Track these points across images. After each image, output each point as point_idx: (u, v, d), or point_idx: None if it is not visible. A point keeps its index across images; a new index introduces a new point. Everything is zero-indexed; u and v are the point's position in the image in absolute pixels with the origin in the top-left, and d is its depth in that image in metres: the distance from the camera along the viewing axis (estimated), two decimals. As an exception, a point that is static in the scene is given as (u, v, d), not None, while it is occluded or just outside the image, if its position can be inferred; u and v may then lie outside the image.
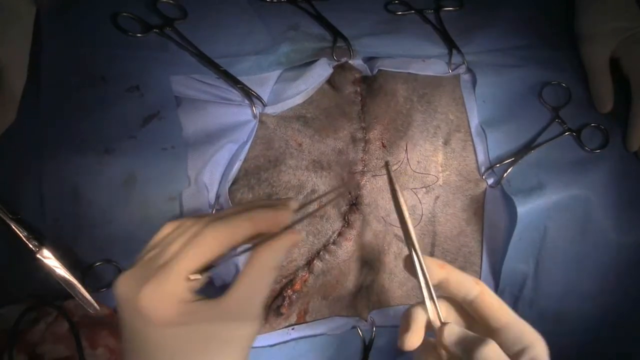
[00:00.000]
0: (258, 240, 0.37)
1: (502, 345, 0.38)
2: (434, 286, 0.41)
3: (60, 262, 0.47)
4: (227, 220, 0.36)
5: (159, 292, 0.33)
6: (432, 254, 0.60)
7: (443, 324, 0.39)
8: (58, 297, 0.48)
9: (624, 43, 0.64)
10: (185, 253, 0.34)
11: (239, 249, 0.38)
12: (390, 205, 0.59)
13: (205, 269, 0.35)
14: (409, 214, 0.59)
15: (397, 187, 0.43)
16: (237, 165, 0.55)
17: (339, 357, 0.57)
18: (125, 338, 0.35)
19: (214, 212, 0.53)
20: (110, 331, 0.47)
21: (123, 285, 0.35)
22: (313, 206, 0.56)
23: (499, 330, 0.40)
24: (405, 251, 0.58)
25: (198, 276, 0.34)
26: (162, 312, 0.33)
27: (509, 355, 0.37)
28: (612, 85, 0.65)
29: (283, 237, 0.37)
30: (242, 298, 0.35)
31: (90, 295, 0.48)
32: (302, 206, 0.41)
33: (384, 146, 0.60)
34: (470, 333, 0.38)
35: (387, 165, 0.43)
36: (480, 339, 0.37)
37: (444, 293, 0.42)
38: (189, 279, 0.34)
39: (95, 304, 0.47)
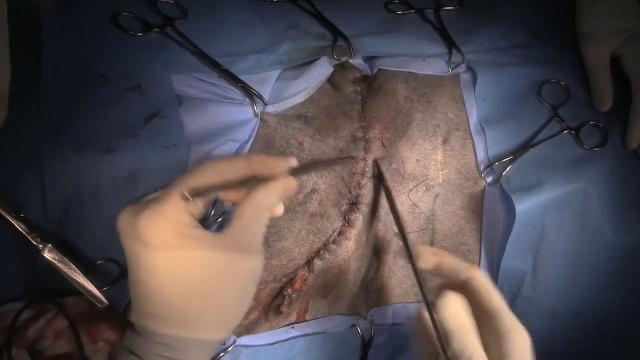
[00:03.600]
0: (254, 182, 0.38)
1: (484, 332, 0.40)
2: (430, 272, 0.44)
3: (66, 259, 0.47)
4: (227, 157, 0.38)
5: (156, 214, 0.34)
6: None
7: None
8: (58, 295, 0.49)
9: (625, 42, 0.64)
10: (183, 177, 0.36)
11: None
12: (391, 204, 0.59)
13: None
14: (409, 212, 0.59)
15: (389, 185, 0.44)
16: (238, 164, 0.55)
17: (338, 355, 0.57)
18: (129, 269, 0.36)
19: (214, 211, 0.54)
20: (110, 325, 0.47)
21: (125, 216, 0.36)
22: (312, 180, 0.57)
23: (485, 315, 0.41)
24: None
25: (197, 203, 0.36)
26: (160, 235, 0.34)
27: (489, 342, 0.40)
28: (612, 85, 0.65)
29: (277, 180, 0.39)
30: (243, 232, 0.36)
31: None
32: (302, 167, 0.43)
33: (384, 145, 0.61)
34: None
35: (376, 163, 0.45)
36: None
37: (440, 277, 0.46)
38: (187, 200, 0.35)
39: (104, 299, 0.47)
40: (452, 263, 0.45)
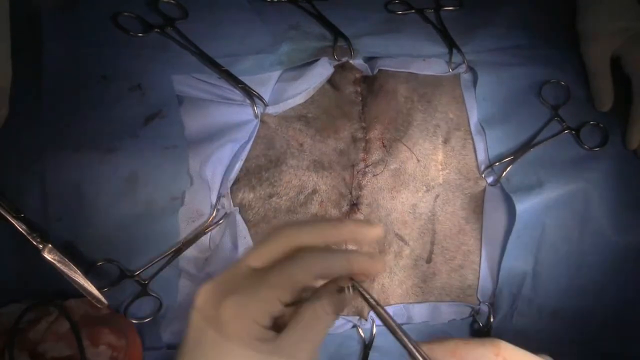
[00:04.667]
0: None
1: None
2: None
3: (66, 259, 0.47)
4: (325, 256, 0.36)
5: (244, 309, 0.34)
6: (431, 252, 0.60)
7: None
8: (59, 296, 0.49)
9: (625, 42, 0.64)
10: (278, 281, 0.34)
11: None
12: (391, 205, 0.59)
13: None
14: (410, 212, 0.59)
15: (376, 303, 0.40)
16: (238, 165, 0.55)
17: (339, 356, 0.57)
18: (189, 342, 0.35)
19: (215, 212, 0.54)
20: (111, 329, 0.47)
21: (208, 294, 0.35)
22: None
23: None
24: (406, 250, 0.58)
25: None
26: (243, 332, 0.33)
27: None
28: (612, 85, 0.65)
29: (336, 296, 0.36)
30: (291, 347, 0.34)
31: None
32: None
33: (384, 146, 0.60)
34: None
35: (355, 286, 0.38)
36: None
37: None
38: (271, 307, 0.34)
39: (104, 299, 0.47)
40: (477, 355, 0.39)
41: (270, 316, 0.35)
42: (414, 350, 0.38)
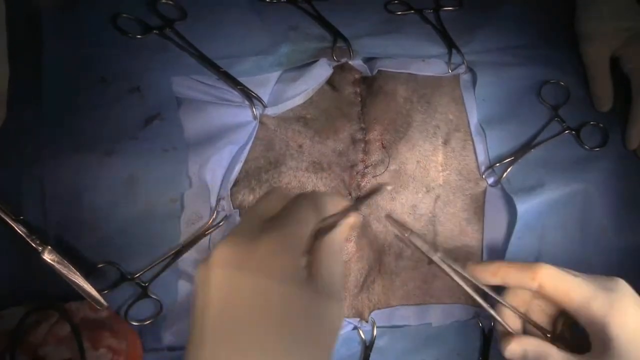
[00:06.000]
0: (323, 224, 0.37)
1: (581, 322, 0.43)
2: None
3: (66, 261, 0.47)
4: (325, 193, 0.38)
5: (281, 245, 0.33)
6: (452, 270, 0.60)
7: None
8: (59, 299, 0.48)
9: (625, 42, 0.64)
10: (303, 216, 0.36)
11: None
12: (390, 206, 0.59)
13: None
14: (410, 213, 0.59)
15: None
16: (237, 167, 0.55)
17: (340, 357, 0.57)
18: (217, 304, 0.33)
19: (214, 214, 0.53)
20: (112, 332, 0.47)
21: (228, 245, 0.34)
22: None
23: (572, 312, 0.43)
24: (407, 251, 0.58)
25: None
26: (279, 268, 0.33)
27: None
28: (612, 85, 0.65)
29: (346, 220, 0.38)
30: (327, 278, 0.35)
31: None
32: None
33: (383, 147, 0.60)
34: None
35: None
36: None
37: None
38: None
39: (103, 301, 0.47)
40: (516, 279, 0.45)
41: (302, 253, 0.35)
42: (459, 270, 0.46)
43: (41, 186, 0.49)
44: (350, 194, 0.58)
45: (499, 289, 0.47)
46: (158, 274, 0.51)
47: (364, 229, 0.58)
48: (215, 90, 0.56)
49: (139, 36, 0.56)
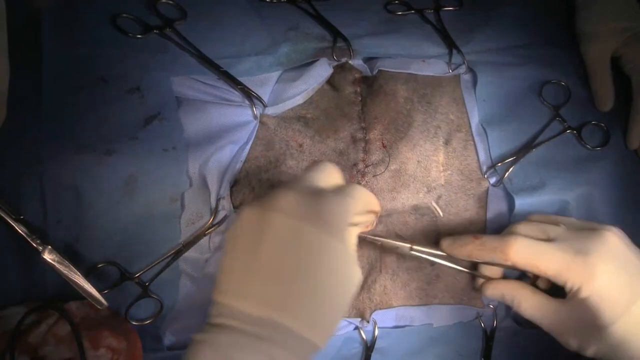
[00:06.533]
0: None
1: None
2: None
3: (66, 260, 0.47)
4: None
5: (344, 210, 0.40)
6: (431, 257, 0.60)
7: None
8: (59, 299, 0.48)
9: (625, 42, 0.64)
10: (359, 195, 0.42)
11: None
12: (391, 205, 0.59)
13: None
14: (411, 213, 0.59)
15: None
16: (238, 167, 0.55)
17: (341, 357, 0.56)
18: (280, 243, 0.37)
19: (214, 214, 0.53)
20: (112, 332, 0.47)
21: (292, 197, 0.38)
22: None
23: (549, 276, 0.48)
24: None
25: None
26: (338, 228, 0.38)
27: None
28: (613, 85, 0.65)
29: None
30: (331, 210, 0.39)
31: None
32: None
33: (384, 146, 0.60)
34: None
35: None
36: None
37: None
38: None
39: (103, 300, 0.47)
40: (490, 259, 0.50)
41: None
42: (435, 252, 0.54)
43: (41, 186, 0.49)
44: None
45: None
46: (158, 274, 0.51)
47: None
48: (215, 90, 0.56)
49: (139, 36, 0.56)
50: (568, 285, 0.46)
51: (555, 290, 0.49)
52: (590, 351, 0.46)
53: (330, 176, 0.43)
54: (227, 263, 0.37)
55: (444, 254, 0.53)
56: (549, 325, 0.49)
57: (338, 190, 0.41)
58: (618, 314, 0.44)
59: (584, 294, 0.45)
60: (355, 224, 0.43)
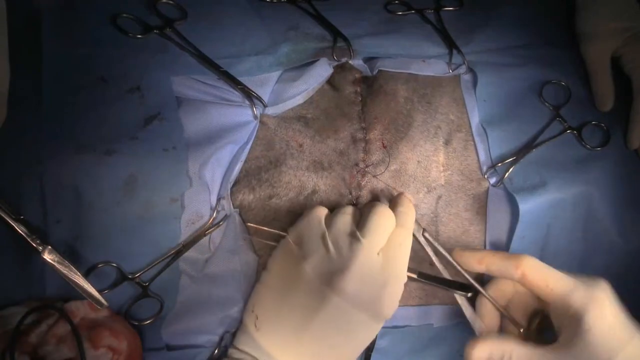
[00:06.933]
0: None
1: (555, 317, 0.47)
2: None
3: (66, 260, 0.47)
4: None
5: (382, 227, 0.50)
6: (435, 254, 0.59)
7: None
8: (59, 299, 0.48)
9: (625, 42, 0.64)
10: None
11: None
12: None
13: None
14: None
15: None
16: (238, 166, 0.55)
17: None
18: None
19: (215, 214, 0.53)
20: (112, 332, 0.47)
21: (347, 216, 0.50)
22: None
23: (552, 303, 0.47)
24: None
25: None
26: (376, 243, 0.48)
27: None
28: (613, 85, 0.65)
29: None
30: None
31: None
32: None
33: (384, 146, 0.60)
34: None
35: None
36: None
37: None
38: None
39: (103, 300, 0.47)
40: (499, 267, 0.49)
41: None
42: (445, 254, 0.53)
43: (41, 186, 0.49)
44: (350, 193, 0.58)
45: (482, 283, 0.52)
46: (158, 274, 0.51)
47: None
48: (215, 89, 0.56)
49: (139, 36, 0.56)
50: (571, 311, 0.45)
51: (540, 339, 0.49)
52: None
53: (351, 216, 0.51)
54: (277, 306, 0.47)
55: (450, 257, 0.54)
56: None
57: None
58: (618, 348, 0.43)
59: (586, 325, 0.43)
60: None
